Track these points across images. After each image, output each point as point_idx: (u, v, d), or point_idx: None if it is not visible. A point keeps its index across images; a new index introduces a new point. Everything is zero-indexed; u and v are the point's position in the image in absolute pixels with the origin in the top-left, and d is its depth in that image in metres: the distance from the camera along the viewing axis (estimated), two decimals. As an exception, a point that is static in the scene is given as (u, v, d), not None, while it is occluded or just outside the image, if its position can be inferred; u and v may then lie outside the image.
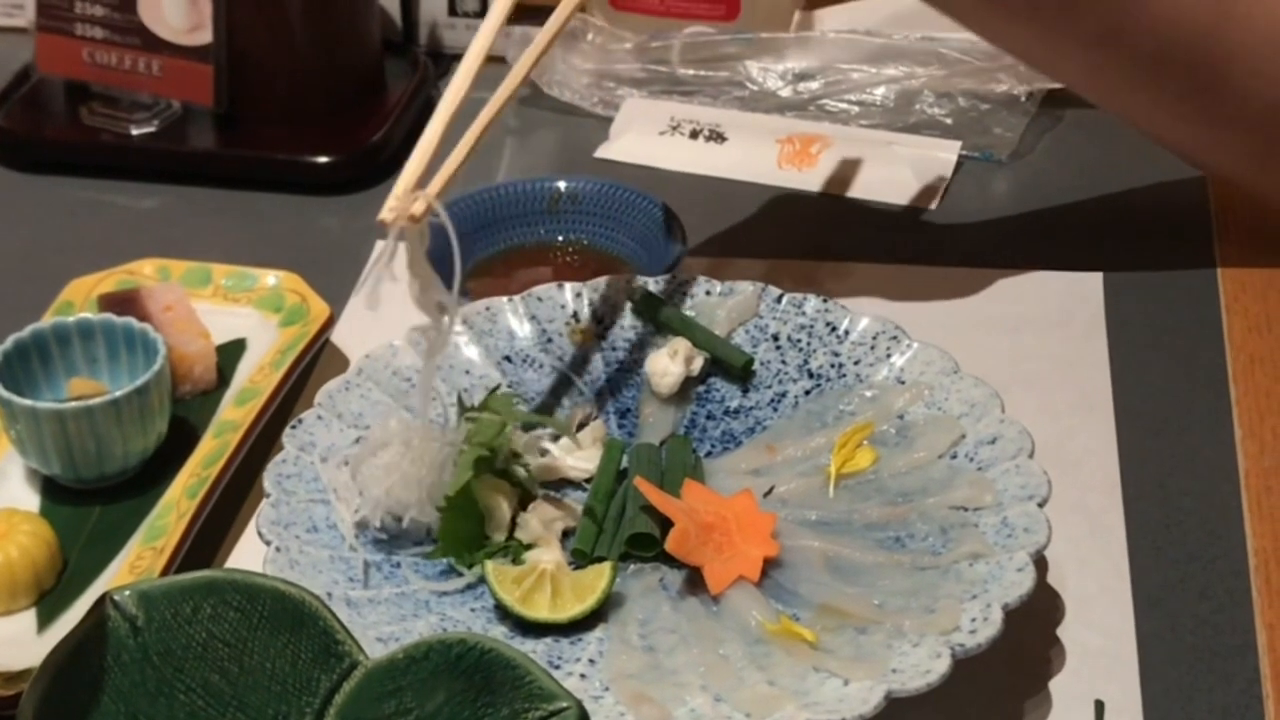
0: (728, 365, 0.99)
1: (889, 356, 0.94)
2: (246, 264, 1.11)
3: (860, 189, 1.25)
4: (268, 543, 0.83)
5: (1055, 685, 0.83)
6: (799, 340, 0.97)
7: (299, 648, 0.72)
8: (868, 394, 0.93)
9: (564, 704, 0.66)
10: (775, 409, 0.95)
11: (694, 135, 1.31)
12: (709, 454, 0.94)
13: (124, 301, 1.06)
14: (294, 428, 0.90)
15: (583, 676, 0.80)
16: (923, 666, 0.76)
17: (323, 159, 1.25)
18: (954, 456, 0.88)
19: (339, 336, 1.08)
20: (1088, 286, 1.11)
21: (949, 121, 1.30)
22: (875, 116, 1.32)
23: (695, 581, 0.84)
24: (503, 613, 0.83)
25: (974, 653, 0.78)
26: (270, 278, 1.08)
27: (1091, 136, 1.33)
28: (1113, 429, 0.99)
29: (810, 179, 1.25)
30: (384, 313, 1.07)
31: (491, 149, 1.37)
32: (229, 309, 1.07)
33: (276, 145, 1.26)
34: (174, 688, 0.71)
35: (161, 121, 1.31)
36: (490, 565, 0.84)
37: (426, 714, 0.69)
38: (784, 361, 0.97)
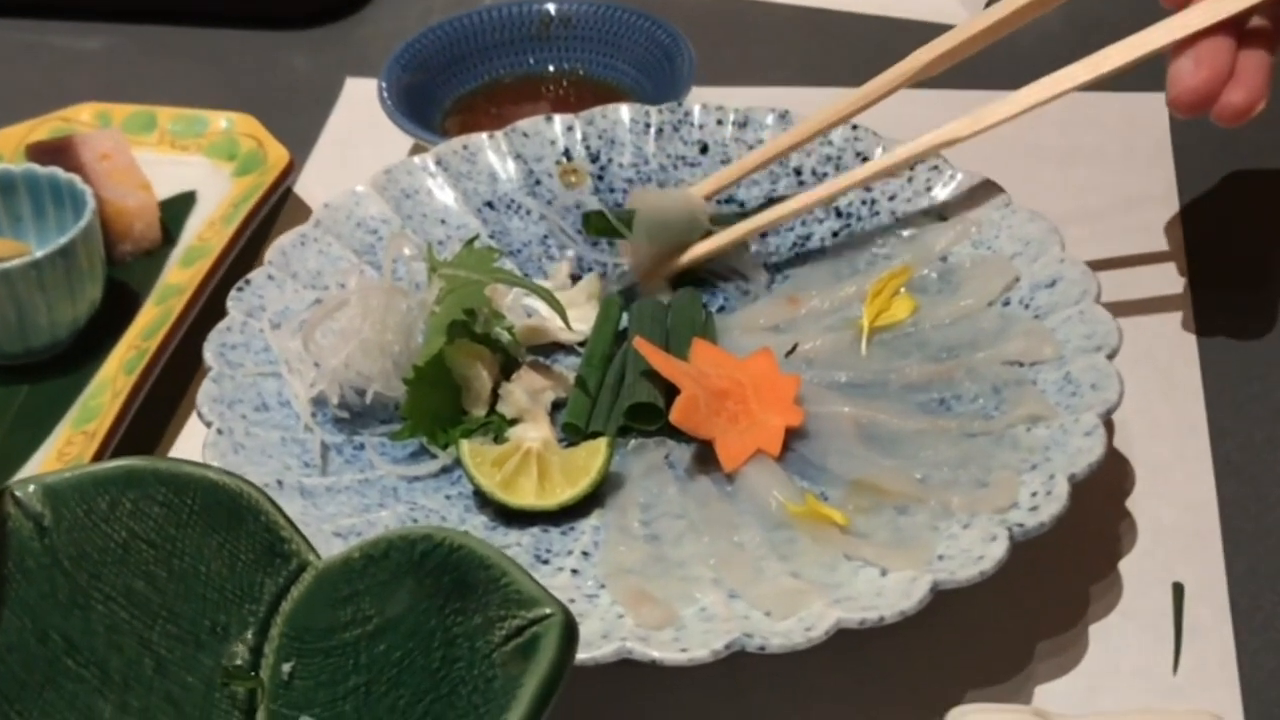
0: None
1: (929, 189, 0.86)
2: (201, 108, 1.05)
3: (892, 6, 1.15)
4: (208, 423, 0.76)
5: (1126, 567, 0.76)
6: (824, 174, 0.89)
7: (237, 547, 0.65)
8: (904, 234, 0.85)
9: (546, 610, 0.58)
10: (798, 254, 0.88)
11: (704, -53, 1.20)
12: (721, 309, 0.87)
13: (54, 151, 0.96)
14: (240, 290, 0.83)
15: (574, 572, 0.72)
16: (975, 551, 0.68)
17: (286, -13, 1.18)
18: (1006, 303, 0.80)
19: (303, 187, 1.03)
20: (1151, 108, 1.02)
21: (991, -76, 1.17)
22: (907, -82, 1.19)
23: (706, 458, 0.77)
24: (482, 500, 0.76)
25: (1035, 534, 0.68)
26: (222, 121, 1.03)
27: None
28: (1184, 268, 0.92)
29: (837, -5, 1.14)
30: (355, 157, 1.03)
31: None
32: (176, 157, 1.01)
33: (235, -27, 1.18)
34: (90, 597, 0.64)
35: (105, -50, 1.21)
36: (467, 445, 0.77)
37: (387, 621, 0.62)
38: None
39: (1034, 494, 0.70)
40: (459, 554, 0.60)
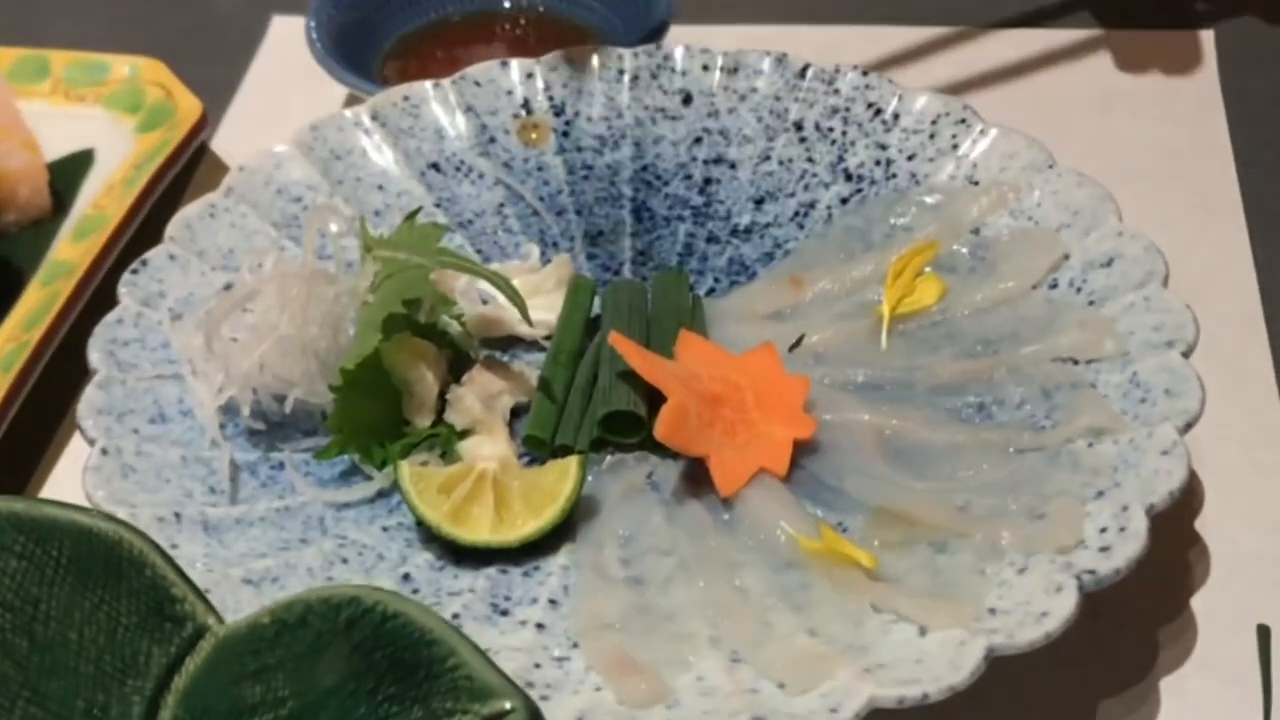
0: None
1: (956, 147, 0.79)
2: (101, 51, 0.98)
3: None
4: (91, 440, 0.69)
5: (1200, 605, 0.68)
6: (831, 129, 0.81)
7: (118, 609, 0.58)
8: (928, 200, 0.78)
9: (506, 705, 0.51)
10: (801, 225, 0.80)
11: None
12: (712, 291, 0.80)
13: (-78, 104, 0.90)
14: (135, 272, 0.76)
15: (540, 627, 0.64)
16: (1035, 605, 0.59)
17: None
18: (1054, 286, 0.73)
19: (221, 144, 0.96)
20: (1197, 47, 0.98)
21: None
22: None
23: (698, 479, 0.69)
24: (427, 533, 0.68)
25: (1109, 582, 0.60)
26: (126, 67, 0.97)
27: None
28: (1245, 235, 0.86)
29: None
30: (281, 110, 0.96)
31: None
32: (71, 110, 0.94)
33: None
34: None
35: None
36: (407, 467, 0.69)
37: (305, 705, 0.56)
38: (811, 159, 0.81)
39: (1104, 530, 0.61)
40: (394, 624, 0.53)
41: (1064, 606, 0.57)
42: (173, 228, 0.77)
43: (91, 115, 0.93)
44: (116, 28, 1.04)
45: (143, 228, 0.86)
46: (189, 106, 0.91)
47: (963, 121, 0.78)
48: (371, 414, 0.72)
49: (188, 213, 0.77)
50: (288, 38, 1.02)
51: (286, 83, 1.00)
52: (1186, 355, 0.67)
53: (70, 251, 0.83)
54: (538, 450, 0.71)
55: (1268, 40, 0.97)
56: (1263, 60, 0.96)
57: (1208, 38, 0.98)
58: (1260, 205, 0.87)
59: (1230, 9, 0.99)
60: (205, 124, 0.92)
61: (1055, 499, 0.63)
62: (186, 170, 0.91)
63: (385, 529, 0.68)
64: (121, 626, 0.58)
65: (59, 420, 0.79)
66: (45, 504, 0.58)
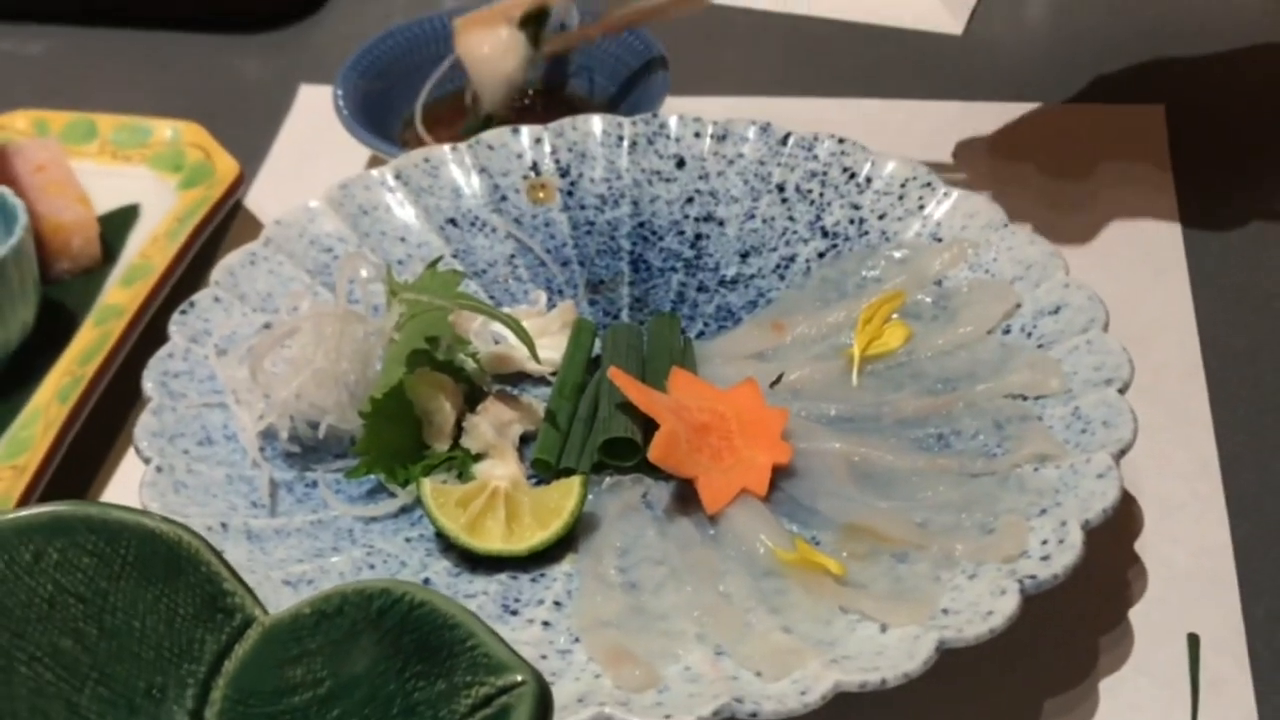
0: None
1: (922, 208, 0.82)
2: (145, 116, 1.00)
3: (874, 12, 1.08)
4: (146, 460, 0.72)
5: (1137, 616, 0.72)
6: (810, 191, 0.84)
7: (176, 601, 0.61)
8: (896, 255, 0.81)
9: (518, 678, 0.54)
10: (782, 277, 0.84)
11: (679, -48, 1.15)
12: (701, 335, 0.83)
13: (-15, 162, 0.92)
14: (184, 313, 0.79)
15: (546, 624, 0.68)
16: (982, 606, 0.63)
17: (239, -11, 1.13)
18: (1007, 331, 0.77)
19: (254, 201, 0.99)
20: (1148, 121, 1.00)
21: (976, -70, 1.13)
22: (889, -73, 1.14)
23: (687, 498, 0.73)
24: (445, 543, 0.72)
25: (1047, 586, 0.64)
26: (168, 130, 0.98)
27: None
28: (1188, 292, 0.88)
29: (816, 1, 1.06)
30: (309, 170, 1.00)
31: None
32: (118, 169, 0.97)
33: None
34: (12, 658, 0.60)
35: (48, -50, 1.16)
36: (428, 484, 0.72)
37: (341, 685, 0.59)
38: (792, 217, 0.84)
39: (1044, 542, 0.65)
40: (420, 611, 0.57)
41: (1007, 606, 0.62)
42: (217, 273, 0.79)
43: (137, 174, 0.96)
44: (159, 95, 1.07)
45: (183, 276, 0.88)
46: (226, 166, 0.94)
47: (928, 185, 0.81)
48: (396, 439, 0.74)
49: (230, 260, 0.80)
50: (314, 106, 1.05)
51: (312, 147, 1.02)
52: (1123, 391, 0.70)
53: (120, 296, 0.86)
54: (544, 472, 0.74)
55: (1214, 116, 0.99)
56: (1209, 133, 0.98)
57: (1158, 112, 0.99)
58: (1203, 266, 0.89)
59: (1180, 87, 1.02)
60: (241, 183, 0.94)
61: (1003, 516, 0.67)
62: (223, 224, 0.93)
63: (408, 540, 0.72)
64: (179, 617, 0.60)
65: (111, 445, 0.82)
66: (114, 508, 0.60)
